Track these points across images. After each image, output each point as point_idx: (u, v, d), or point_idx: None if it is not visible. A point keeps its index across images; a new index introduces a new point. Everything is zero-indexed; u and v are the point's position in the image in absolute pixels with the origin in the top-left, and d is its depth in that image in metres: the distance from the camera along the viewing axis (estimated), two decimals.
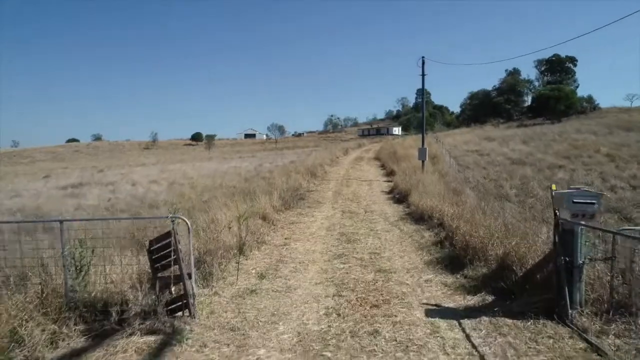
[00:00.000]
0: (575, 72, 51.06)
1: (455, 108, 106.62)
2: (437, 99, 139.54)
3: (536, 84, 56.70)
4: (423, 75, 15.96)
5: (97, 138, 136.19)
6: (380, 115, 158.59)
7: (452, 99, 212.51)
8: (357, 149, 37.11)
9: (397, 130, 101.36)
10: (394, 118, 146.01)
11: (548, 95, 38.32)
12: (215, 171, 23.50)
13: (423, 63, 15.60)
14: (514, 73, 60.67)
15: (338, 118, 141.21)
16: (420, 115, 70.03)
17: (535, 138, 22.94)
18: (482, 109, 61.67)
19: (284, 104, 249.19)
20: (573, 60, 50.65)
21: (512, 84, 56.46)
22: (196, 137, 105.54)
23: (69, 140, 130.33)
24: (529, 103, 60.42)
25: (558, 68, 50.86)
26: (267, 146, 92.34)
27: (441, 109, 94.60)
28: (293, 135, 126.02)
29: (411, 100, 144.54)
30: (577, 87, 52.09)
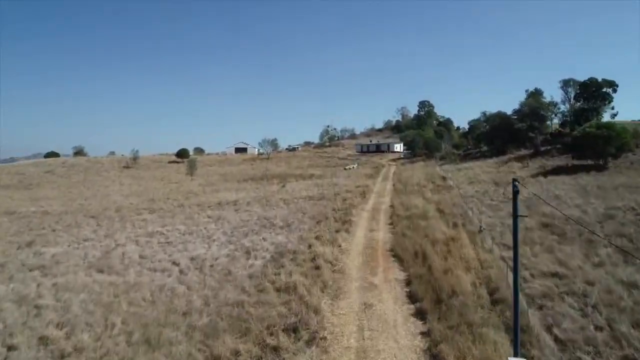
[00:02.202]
0: (612, 98, 43.91)
1: (461, 121, 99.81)
2: (440, 109, 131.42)
3: (562, 107, 49.82)
4: None
5: (78, 151, 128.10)
6: (379, 124, 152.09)
7: (457, 111, 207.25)
8: (362, 201, 29.74)
9: (398, 147, 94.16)
10: (393, 128, 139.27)
11: (595, 135, 31.19)
12: (162, 286, 15.93)
13: None
14: (536, 94, 53.62)
15: (334, 129, 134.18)
16: (427, 135, 62.59)
17: (635, 241, 15.61)
18: (499, 133, 54.63)
19: (280, 113, 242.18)
20: (613, 85, 43.37)
21: (534, 108, 49.34)
22: (181, 154, 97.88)
23: (48, 155, 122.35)
24: (554, 129, 53.41)
25: (595, 93, 43.66)
26: (258, 166, 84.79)
27: (447, 125, 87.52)
28: (287, 149, 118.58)
29: (412, 110, 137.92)
30: (615, 115, 45.34)
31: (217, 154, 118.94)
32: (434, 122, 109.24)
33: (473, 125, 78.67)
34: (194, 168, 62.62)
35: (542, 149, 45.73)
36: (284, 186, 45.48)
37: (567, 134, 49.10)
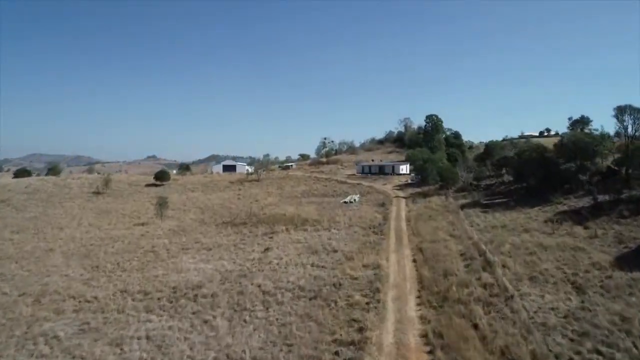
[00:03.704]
0: None
1: (466, 132, 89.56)
2: (446, 119, 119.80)
3: (616, 139, 39.91)
4: None
5: (52, 168, 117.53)
6: (380, 134, 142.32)
7: (462, 118, 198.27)
8: (377, 320, 19.52)
9: (404, 168, 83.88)
10: (396, 141, 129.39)
11: None
12: None
13: None
14: (582, 122, 43.81)
15: (332, 141, 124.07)
16: (439, 159, 52.21)
17: None
18: (534, 169, 44.59)
19: (277, 113, 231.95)
20: None
21: (582, 142, 39.30)
22: (160, 177, 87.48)
23: (18, 173, 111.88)
24: (604, 166, 43.35)
25: None
26: (245, 193, 74.34)
27: (460, 146, 77.07)
28: (279, 166, 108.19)
29: (415, 121, 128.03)
30: None
31: (204, 175, 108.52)
32: (442, 135, 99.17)
33: (491, 147, 68.62)
34: (165, 207, 52.17)
35: (600, 197, 35.61)
36: (267, 248, 35.25)
37: (625, 176, 39.02)
